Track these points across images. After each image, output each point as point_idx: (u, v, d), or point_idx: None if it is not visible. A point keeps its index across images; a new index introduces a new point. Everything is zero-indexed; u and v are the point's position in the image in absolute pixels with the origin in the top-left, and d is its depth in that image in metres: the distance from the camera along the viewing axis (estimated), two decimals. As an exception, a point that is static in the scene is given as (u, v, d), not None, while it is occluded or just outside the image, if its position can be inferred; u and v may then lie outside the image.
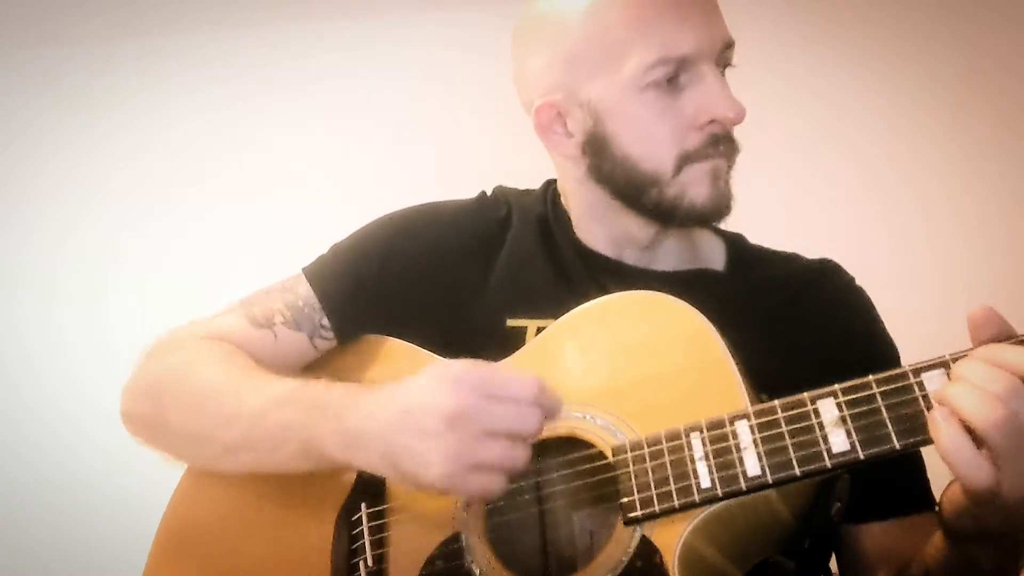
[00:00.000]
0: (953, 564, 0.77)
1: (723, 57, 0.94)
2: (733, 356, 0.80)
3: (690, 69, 0.92)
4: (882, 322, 1.04)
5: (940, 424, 0.64)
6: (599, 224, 1.03)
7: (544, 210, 1.08)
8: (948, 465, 0.64)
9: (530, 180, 1.15)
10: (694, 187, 0.94)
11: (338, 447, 0.81)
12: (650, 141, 0.94)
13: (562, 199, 1.09)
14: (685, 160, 0.93)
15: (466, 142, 2.02)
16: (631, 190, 0.97)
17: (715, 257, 1.07)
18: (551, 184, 1.11)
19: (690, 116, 0.92)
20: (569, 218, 1.06)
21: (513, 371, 0.78)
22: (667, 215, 0.97)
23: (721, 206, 0.96)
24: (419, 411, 0.75)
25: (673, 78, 0.92)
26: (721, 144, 0.94)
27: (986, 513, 0.68)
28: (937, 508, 0.75)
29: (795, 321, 0.99)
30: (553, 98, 0.97)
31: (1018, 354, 0.64)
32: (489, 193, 1.12)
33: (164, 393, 0.95)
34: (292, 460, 0.85)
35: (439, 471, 0.73)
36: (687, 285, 0.97)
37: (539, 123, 1.00)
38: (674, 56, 0.90)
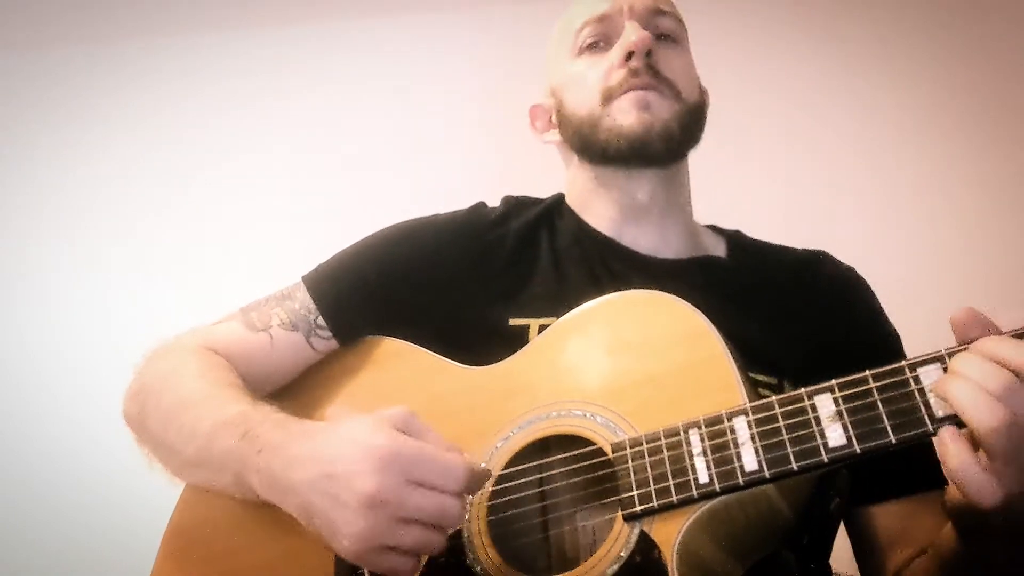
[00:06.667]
0: (967, 556, 0.77)
1: (653, 23, 1.07)
2: (732, 354, 0.80)
3: (618, 31, 1.05)
4: (880, 305, 1.07)
5: (948, 444, 0.64)
6: (602, 202, 1.08)
7: (548, 209, 1.12)
8: (956, 484, 0.64)
9: (533, 190, 1.17)
10: (621, 114, 1.03)
11: (263, 488, 0.81)
12: (582, 89, 1.07)
13: (567, 198, 1.14)
14: (609, 94, 1.04)
15: (470, 151, 2.03)
16: (585, 142, 1.06)
17: (718, 249, 1.11)
18: (560, 194, 1.16)
19: (614, 60, 1.04)
20: (573, 211, 1.11)
21: (447, 451, 0.74)
22: (604, 150, 1.04)
23: (649, 131, 1.01)
24: (340, 480, 0.72)
25: (603, 40, 1.06)
26: (641, 75, 1.02)
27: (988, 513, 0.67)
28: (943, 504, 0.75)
29: (797, 300, 1.03)
30: (544, 101, 1.16)
31: (1015, 348, 0.64)
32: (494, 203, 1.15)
33: (146, 399, 0.97)
34: (231, 488, 0.86)
35: (348, 546, 0.72)
36: (691, 271, 1.03)
37: (531, 122, 1.18)
38: (595, 16, 1.07)
